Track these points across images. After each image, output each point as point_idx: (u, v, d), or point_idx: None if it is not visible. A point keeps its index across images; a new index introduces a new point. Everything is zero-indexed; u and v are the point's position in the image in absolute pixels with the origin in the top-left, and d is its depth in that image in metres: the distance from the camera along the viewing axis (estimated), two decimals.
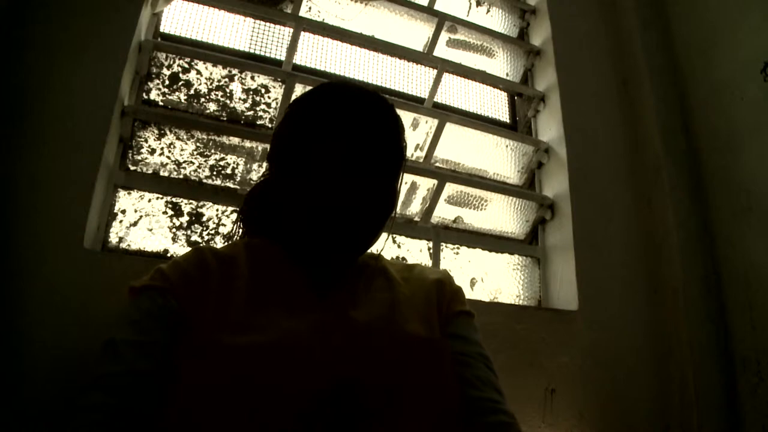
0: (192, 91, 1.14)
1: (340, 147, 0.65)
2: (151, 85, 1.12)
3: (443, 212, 1.29)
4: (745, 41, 1.24)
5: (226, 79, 1.18)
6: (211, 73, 1.16)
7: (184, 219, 1.06)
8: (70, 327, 0.80)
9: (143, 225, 1.03)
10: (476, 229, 1.32)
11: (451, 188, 1.29)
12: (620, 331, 1.19)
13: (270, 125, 1.20)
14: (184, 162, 1.09)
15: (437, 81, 1.35)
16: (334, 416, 0.55)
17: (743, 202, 1.20)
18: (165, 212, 1.06)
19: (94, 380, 0.56)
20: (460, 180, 1.29)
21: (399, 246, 1.22)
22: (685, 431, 1.11)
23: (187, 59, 1.14)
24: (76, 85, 0.93)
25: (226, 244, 0.80)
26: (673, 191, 1.28)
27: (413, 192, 1.26)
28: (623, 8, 1.51)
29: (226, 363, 0.55)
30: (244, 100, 1.19)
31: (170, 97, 1.13)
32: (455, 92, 1.46)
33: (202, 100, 1.15)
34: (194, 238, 1.06)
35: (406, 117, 1.25)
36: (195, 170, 1.09)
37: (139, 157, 1.06)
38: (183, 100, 1.14)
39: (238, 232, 0.81)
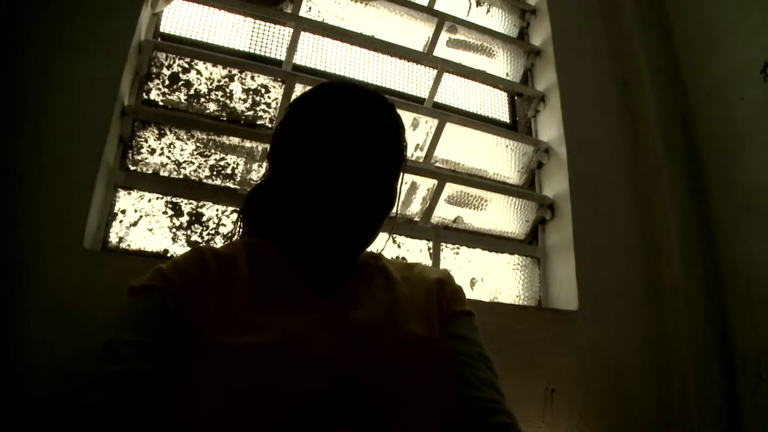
0: (192, 91, 1.14)
1: (339, 146, 0.65)
2: (151, 85, 1.12)
3: (443, 212, 1.29)
4: (745, 41, 1.24)
5: (226, 79, 1.18)
6: (211, 73, 1.16)
7: (184, 219, 1.06)
8: (70, 327, 0.80)
9: (143, 225, 1.03)
10: (476, 229, 1.32)
11: (451, 188, 1.29)
12: (620, 331, 1.19)
13: (270, 125, 1.20)
14: (184, 162, 1.09)
15: (437, 81, 1.35)
16: (334, 416, 0.55)
17: (743, 202, 1.20)
18: (165, 212, 1.06)
19: (95, 380, 0.56)
20: (460, 180, 1.29)
21: (399, 246, 1.22)
22: (685, 431, 1.11)
23: (187, 59, 1.14)
24: (76, 85, 0.93)
25: (225, 243, 0.80)
26: (673, 191, 1.28)
27: (413, 192, 1.26)
28: (623, 8, 1.51)
29: (225, 363, 0.55)
30: (244, 100, 1.19)
31: (170, 97, 1.13)
32: (455, 92, 1.46)
33: (202, 100, 1.15)
34: (194, 238, 1.06)
35: (406, 117, 1.25)
36: (195, 170, 1.09)
37: (139, 157, 1.06)
38: (183, 100, 1.14)
39: (239, 232, 0.81)
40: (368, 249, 0.75)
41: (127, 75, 1.01)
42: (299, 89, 1.19)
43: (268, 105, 1.21)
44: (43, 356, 0.77)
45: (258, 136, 1.13)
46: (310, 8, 1.35)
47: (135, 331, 0.58)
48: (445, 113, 1.31)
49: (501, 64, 1.54)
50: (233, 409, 0.52)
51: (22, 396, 0.75)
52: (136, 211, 1.03)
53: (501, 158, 1.40)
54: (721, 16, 1.33)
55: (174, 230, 1.05)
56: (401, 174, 0.73)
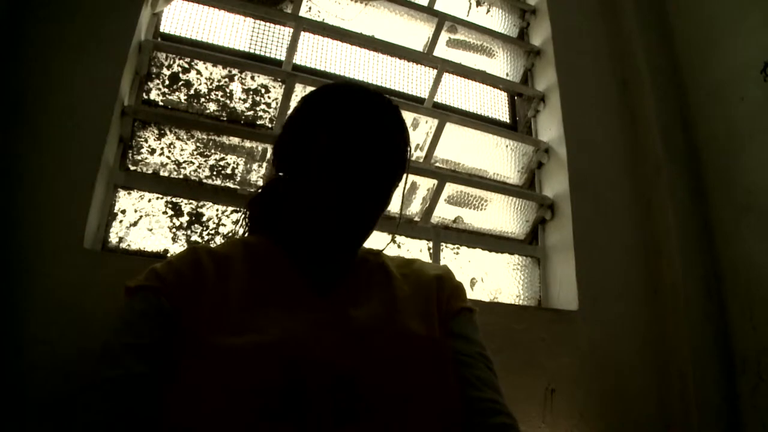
0: (192, 91, 1.14)
1: (340, 146, 0.65)
2: (151, 85, 1.12)
3: (443, 212, 1.29)
4: (745, 41, 1.24)
5: (226, 79, 1.18)
6: (211, 73, 1.16)
7: (184, 219, 1.06)
8: (70, 327, 0.80)
9: (143, 225, 1.03)
10: (476, 229, 1.32)
11: (451, 188, 1.29)
12: (620, 331, 1.19)
13: (270, 125, 1.20)
14: (184, 162, 1.09)
15: (437, 81, 1.35)
16: (334, 416, 0.55)
17: (743, 201, 1.20)
18: (165, 212, 1.06)
19: (94, 381, 0.56)
20: (460, 180, 1.29)
21: (399, 246, 1.22)
22: (685, 431, 1.11)
23: (187, 59, 1.14)
24: (76, 85, 0.93)
25: (222, 242, 0.80)
26: (673, 191, 1.28)
27: (413, 192, 1.26)
28: (623, 8, 1.51)
29: (222, 363, 0.55)
30: (244, 100, 1.19)
31: (170, 97, 1.13)
32: (455, 92, 1.46)
33: (202, 100, 1.15)
34: (194, 238, 1.06)
35: (406, 117, 1.24)
36: (195, 170, 1.09)
37: (139, 157, 1.06)
38: (183, 100, 1.14)
39: (240, 232, 0.81)
40: (368, 246, 0.75)
41: (127, 75, 1.01)
42: (299, 89, 1.19)
43: (268, 105, 1.21)
44: (43, 356, 0.77)
45: (258, 136, 1.13)
46: (310, 8, 1.35)
47: (130, 332, 0.59)
48: (445, 113, 1.31)
49: (501, 64, 1.54)
50: (230, 409, 0.52)
51: (22, 396, 0.75)
52: (136, 211, 1.03)
53: (501, 158, 1.40)
54: (721, 16, 1.33)
55: (174, 230, 1.05)
56: (405, 175, 0.73)
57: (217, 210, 1.09)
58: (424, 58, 1.41)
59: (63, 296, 0.81)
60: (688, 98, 1.38)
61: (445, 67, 1.36)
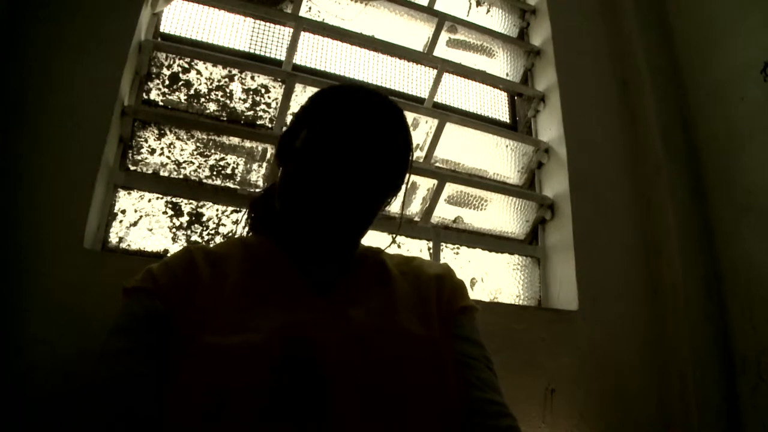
0: (192, 91, 1.14)
1: (340, 147, 0.65)
2: (151, 85, 1.12)
3: (443, 212, 1.29)
4: (745, 41, 1.24)
5: (226, 79, 1.18)
6: (211, 73, 1.16)
7: (184, 219, 1.06)
8: (70, 327, 0.80)
9: (143, 225, 1.03)
10: (476, 229, 1.32)
11: (451, 188, 1.29)
12: (620, 331, 1.19)
13: (270, 125, 1.20)
14: (184, 162, 1.09)
15: (437, 81, 1.35)
16: (332, 416, 0.55)
17: (743, 202, 1.20)
18: (165, 212, 1.06)
19: (94, 381, 0.56)
20: (460, 180, 1.29)
21: (399, 246, 1.22)
22: (685, 431, 1.11)
23: (187, 59, 1.14)
24: (76, 85, 0.93)
25: (221, 242, 0.80)
26: (673, 191, 1.28)
27: (413, 192, 1.26)
28: (623, 8, 1.51)
29: (217, 363, 0.55)
30: (244, 100, 1.19)
31: (170, 97, 1.13)
32: (455, 92, 1.46)
33: (202, 100, 1.15)
34: (194, 238, 1.06)
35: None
36: (195, 170, 1.09)
37: (139, 157, 1.06)
38: (183, 100, 1.14)
39: (241, 232, 0.81)
40: (368, 244, 0.75)
41: (127, 75, 1.01)
42: (299, 89, 1.19)
43: (268, 105, 1.21)
44: (43, 356, 0.77)
45: (258, 136, 1.13)
46: (310, 8, 1.35)
47: (126, 335, 0.59)
48: (445, 113, 1.31)
49: (501, 64, 1.54)
50: (228, 409, 0.52)
51: (22, 396, 0.75)
52: (136, 211, 1.03)
53: (501, 158, 1.40)
54: (721, 16, 1.33)
55: (174, 230, 1.05)
56: (408, 175, 0.72)
57: (217, 210, 1.09)
58: (424, 58, 1.41)
59: (63, 296, 0.81)
60: (688, 98, 1.38)
61: (445, 67, 1.36)
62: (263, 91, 1.21)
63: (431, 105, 1.34)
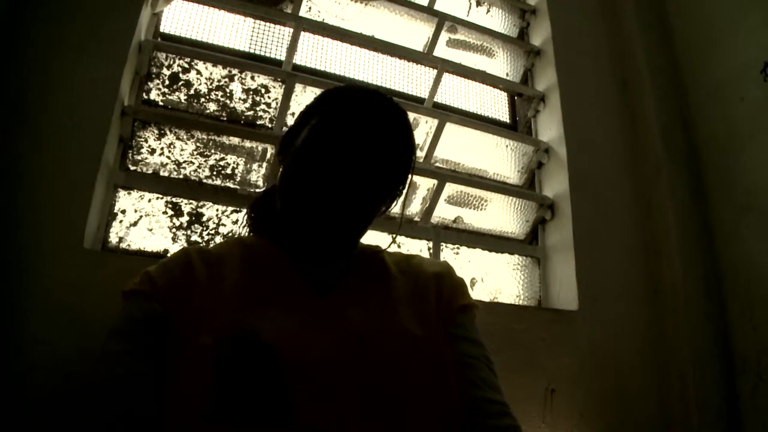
0: (192, 91, 1.14)
1: (341, 147, 0.64)
2: (151, 85, 1.12)
3: (443, 212, 1.29)
4: (745, 41, 1.24)
5: (226, 79, 1.18)
6: (211, 73, 1.16)
7: (184, 219, 1.06)
8: (70, 327, 0.80)
9: (143, 225, 1.03)
10: (476, 229, 1.32)
11: (451, 188, 1.29)
12: (620, 331, 1.19)
13: (270, 125, 1.20)
14: (184, 162, 1.09)
15: (437, 81, 1.35)
16: (332, 416, 0.55)
17: (743, 202, 1.20)
18: (165, 212, 1.06)
19: (94, 381, 0.56)
20: (460, 180, 1.29)
21: (399, 246, 1.22)
22: (685, 431, 1.11)
23: (187, 59, 1.14)
24: (76, 85, 0.93)
25: (219, 242, 0.80)
26: (673, 191, 1.28)
27: (413, 192, 1.26)
28: (623, 8, 1.51)
29: (215, 363, 0.55)
30: (244, 100, 1.19)
31: (170, 97, 1.13)
32: (455, 92, 1.46)
33: (202, 100, 1.15)
34: (194, 238, 1.06)
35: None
36: (195, 170, 1.09)
37: (139, 157, 1.06)
38: (183, 100, 1.14)
39: (241, 232, 0.81)
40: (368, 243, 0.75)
41: (127, 75, 1.01)
42: (299, 89, 1.19)
43: (268, 105, 1.21)
44: (43, 356, 0.77)
45: (258, 136, 1.13)
46: (310, 8, 1.35)
47: (124, 338, 0.59)
48: (445, 113, 1.31)
49: (501, 64, 1.54)
50: (226, 409, 0.52)
51: (22, 396, 0.75)
52: (136, 211, 1.03)
53: (501, 158, 1.40)
54: (721, 16, 1.33)
55: (174, 230, 1.05)
56: (410, 176, 0.72)
57: (217, 210, 1.09)
58: (424, 58, 1.41)
59: (63, 296, 0.81)
60: (688, 98, 1.38)
61: (445, 67, 1.36)
62: (263, 91, 1.21)
63: (431, 105, 1.34)
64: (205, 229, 1.07)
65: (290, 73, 1.18)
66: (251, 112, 1.20)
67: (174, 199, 1.06)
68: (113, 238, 0.99)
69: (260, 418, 0.53)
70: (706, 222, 1.28)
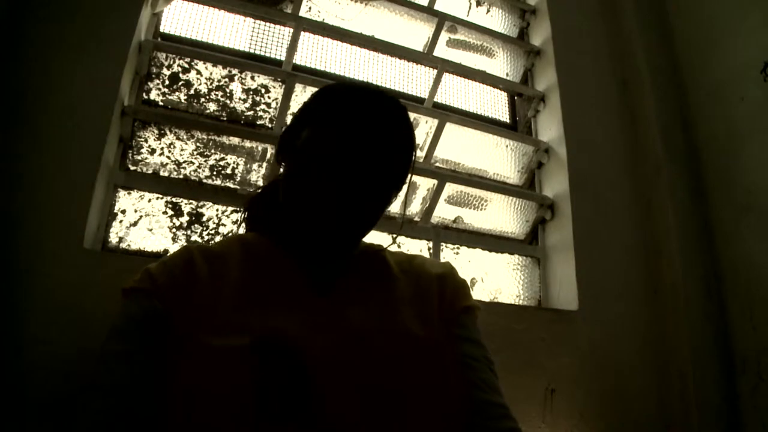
0: (192, 91, 1.15)
1: (342, 146, 0.64)
2: (151, 85, 1.12)
3: (443, 212, 1.29)
4: (745, 41, 1.24)
5: (226, 79, 1.18)
6: (211, 73, 1.16)
7: (184, 219, 1.06)
8: (70, 327, 0.80)
9: (143, 225, 1.03)
10: (476, 229, 1.32)
11: (451, 188, 1.29)
12: (620, 331, 1.19)
13: (270, 125, 1.20)
14: (184, 162, 1.09)
15: (437, 81, 1.35)
16: (332, 416, 0.55)
17: (743, 202, 1.20)
18: (165, 212, 1.06)
19: (94, 381, 0.56)
20: (460, 180, 1.29)
21: (399, 246, 1.22)
22: (685, 431, 1.11)
23: (187, 59, 1.14)
24: (76, 85, 0.93)
25: (219, 240, 0.80)
26: (673, 191, 1.28)
27: (413, 192, 1.26)
28: (623, 8, 1.51)
29: (216, 364, 0.55)
30: (244, 100, 1.19)
31: (170, 97, 1.13)
32: (455, 92, 1.46)
33: (202, 100, 1.15)
34: (194, 238, 1.06)
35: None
36: (195, 170, 1.09)
37: (139, 157, 1.06)
38: (183, 100, 1.14)
39: (239, 232, 0.81)
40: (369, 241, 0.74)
41: (127, 75, 1.01)
42: (299, 89, 1.19)
43: (268, 105, 1.21)
44: (43, 356, 0.77)
45: (258, 136, 1.13)
46: (310, 8, 1.35)
47: (124, 338, 0.59)
48: (445, 113, 1.31)
49: (501, 64, 1.54)
50: (226, 409, 0.52)
51: (22, 396, 0.75)
52: (136, 211, 1.03)
53: (501, 158, 1.40)
54: (721, 16, 1.33)
55: (174, 230, 1.05)
56: (410, 175, 0.72)
57: (217, 210, 1.09)
58: (424, 58, 1.41)
59: (63, 296, 0.81)
60: (688, 98, 1.38)
61: (445, 67, 1.36)
62: (263, 91, 1.21)
63: (431, 105, 1.34)
64: (205, 229, 1.07)
65: (290, 73, 1.18)
66: (251, 112, 1.20)
67: (174, 199, 1.06)
68: (113, 238, 0.99)
69: (282, 418, 0.53)
70: (706, 222, 1.28)
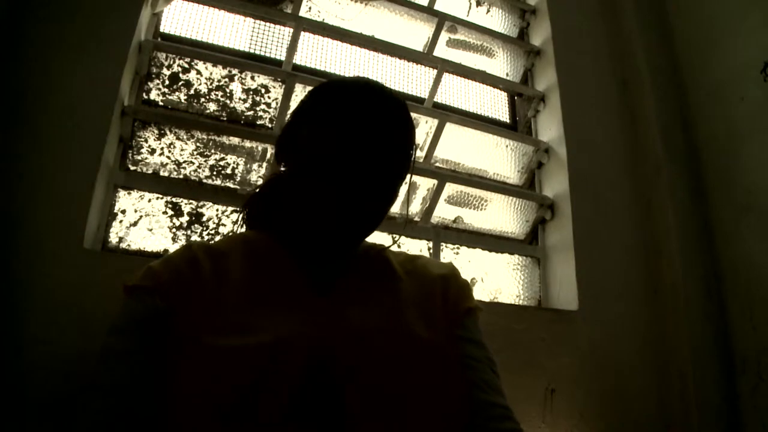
0: (192, 91, 1.14)
1: (342, 145, 0.63)
2: (151, 85, 1.12)
3: (443, 212, 1.29)
4: (745, 41, 1.24)
5: (226, 79, 1.18)
6: (211, 73, 1.16)
7: (184, 219, 1.06)
8: (70, 327, 0.80)
9: (143, 225, 1.03)
10: (476, 229, 1.32)
11: (451, 188, 1.29)
12: (620, 331, 1.19)
13: (270, 125, 1.20)
14: (184, 162, 1.09)
15: (437, 81, 1.35)
16: (333, 416, 0.55)
17: (743, 202, 1.20)
18: (165, 212, 1.06)
19: (94, 382, 0.56)
20: (460, 180, 1.29)
21: (399, 246, 1.22)
22: (685, 431, 1.11)
23: (187, 59, 1.14)
24: (76, 85, 0.93)
25: (221, 238, 0.79)
26: (673, 191, 1.28)
27: (413, 192, 1.26)
28: (623, 8, 1.51)
29: (218, 364, 0.55)
30: (244, 100, 1.19)
31: (170, 97, 1.13)
32: (455, 92, 1.46)
33: (202, 100, 1.15)
34: (194, 238, 1.06)
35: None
36: (195, 170, 1.09)
37: (139, 157, 1.06)
38: (183, 100, 1.14)
39: (240, 226, 0.80)
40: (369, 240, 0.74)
41: (127, 75, 1.01)
42: (299, 89, 1.19)
43: (268, 105, 1.21)
44: (43, 356, 0.77)
45: (258, 136, 1.13)
46: (310, 8, 1.35)
47: (125, 337, 0.59)
48: (445, 113, 1.31)
49: (501, 64, 1.54)
50: (226, 410, 0.52)
51: (22, 396, 0.75)
52: (136, 211, 1.03)
53: (501, 158, 1.40)
54: (721, 16, 1.33)
55: (174, 230, 1.05)
56: (408, 173, 0.71)
57: (217, 210, 1.09)
58: (424, 58, 1.41)
59: (63, 296, 0.81)
60: (688, 98, 1.38)
61: (445, 67, 1.36)
62: (263, 91, 1.21)
63: (431, 105, 1.34)
64: (205, 229, 1.07)
65: (290, 73, 1.18)
66: (251, 112, 1.20)
67: (174, 199, 1.06)
68: (113, 238, 0.99)
69: (288, 420, 0.53)
70: (706, 222, 1.28)
